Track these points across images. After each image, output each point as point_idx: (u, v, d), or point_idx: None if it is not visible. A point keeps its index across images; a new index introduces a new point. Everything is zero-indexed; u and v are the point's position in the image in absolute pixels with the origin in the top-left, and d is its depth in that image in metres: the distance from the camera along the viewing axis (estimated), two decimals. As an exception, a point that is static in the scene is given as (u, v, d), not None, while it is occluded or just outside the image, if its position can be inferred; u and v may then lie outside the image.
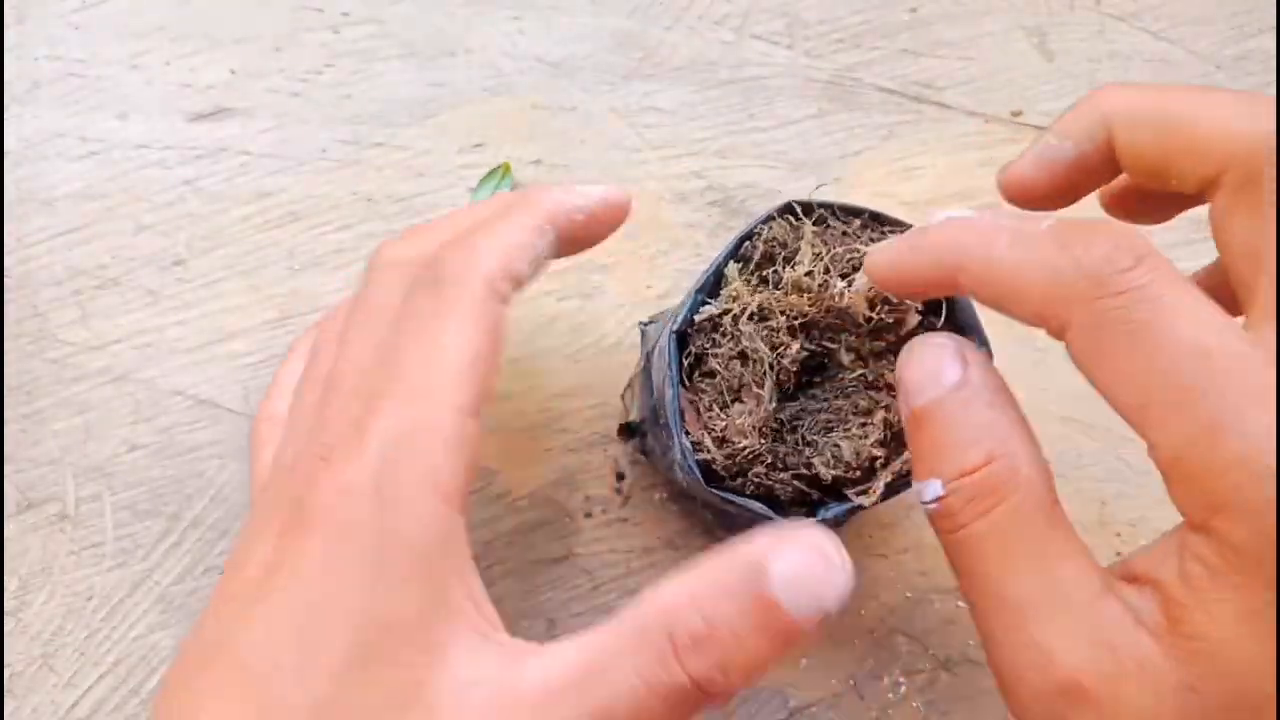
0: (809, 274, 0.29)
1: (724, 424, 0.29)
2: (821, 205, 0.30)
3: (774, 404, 0.29)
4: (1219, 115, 0.23)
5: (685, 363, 0.30)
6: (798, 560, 0.22)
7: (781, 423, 0.29)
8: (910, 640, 0.36)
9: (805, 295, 0.29)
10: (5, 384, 0.37)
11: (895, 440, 0.29)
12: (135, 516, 0.36)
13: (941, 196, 0.40)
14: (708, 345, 0.30)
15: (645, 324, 0.36)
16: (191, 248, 0.38)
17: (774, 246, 0.30)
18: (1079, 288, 0.22)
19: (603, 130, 0.40)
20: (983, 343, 0.29)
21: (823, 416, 0.29)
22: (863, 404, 0.29)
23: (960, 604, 0.36)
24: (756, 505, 0.28)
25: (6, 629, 0.35)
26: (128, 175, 0.39)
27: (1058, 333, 0.23)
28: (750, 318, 0.29)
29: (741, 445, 0.28)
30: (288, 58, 0.40)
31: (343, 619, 0.23)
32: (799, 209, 0.30)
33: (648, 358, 0.33)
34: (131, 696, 0.35)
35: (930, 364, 0.25)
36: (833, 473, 0.28)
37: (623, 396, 0.37)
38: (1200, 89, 0.24)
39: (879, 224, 0.30)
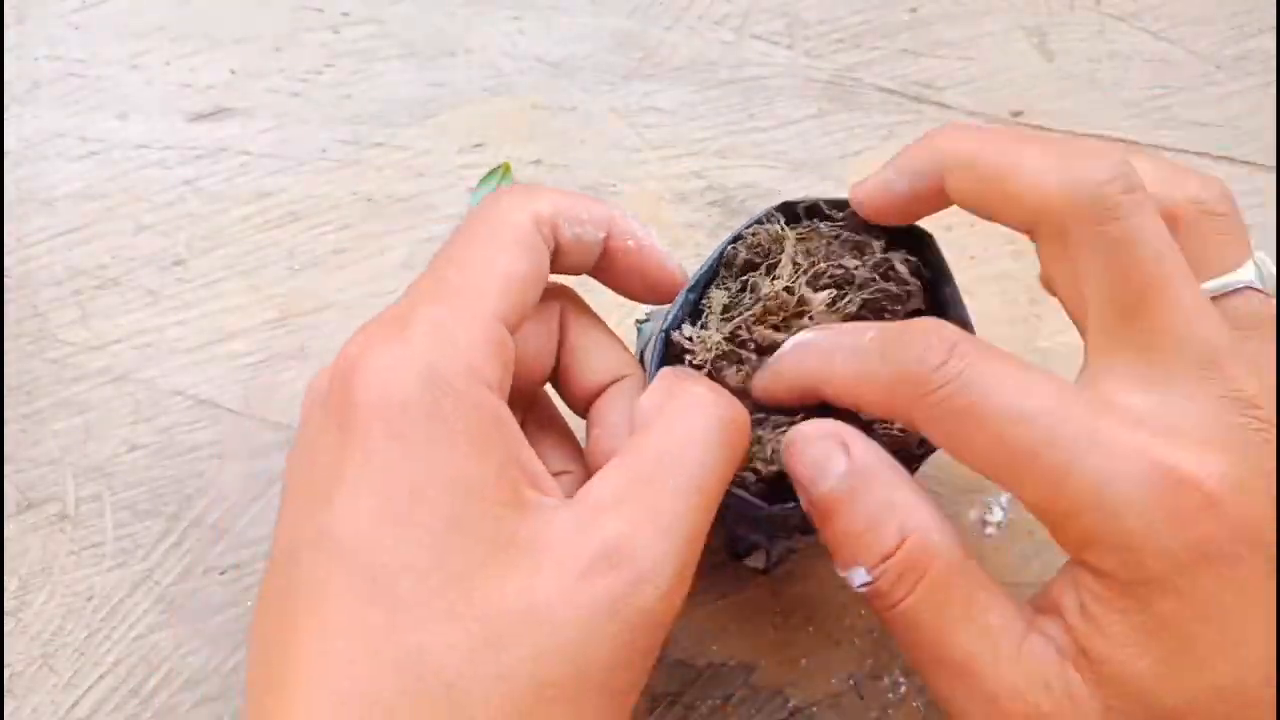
0: (788, 289, 0.29)
1: None
2: (815, 203, 0.30)
3: None
4: (1031, 169, 0.25)
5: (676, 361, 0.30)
6: None
7: (759, 420, 0.29)
8: (910, 640, 0.36)
9: (780, 314, 0.29)
10: (5, 384, 0.37)
11: None
12: (135, 516, 0.36)
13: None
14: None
15: (641, 321, 0.36)
16: (191, 248, 0.38)
17: (756, 254, 0.30)
18: (907, 392, 0.25)
19: (603, 130, 0.40)
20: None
21: (782, 415, 0.29)
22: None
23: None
24: (740, 492, 0.28)
25: (6, 629, 0.35)
26: (128, 175, 0.39)
27: (913, 429, 0.26)
28: (719, 358, 0.29)
29: None
30: (288, 58, 0.40)
31: (425, 487, 0.24)
32: (796, 209, 0.30)
33: (641, 354, 0.33)
34: (131, 697, 0.35)
35: (816, 456, 0.27)
36: (771, 469, 0.28)
37: None
38: (1022, 139, 0.26)
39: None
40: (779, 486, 0.29)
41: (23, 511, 0.36)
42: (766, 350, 0.29)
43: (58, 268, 0.38)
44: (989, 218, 0.27)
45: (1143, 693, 0.23)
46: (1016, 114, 0.41)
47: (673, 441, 0.26)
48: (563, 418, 0.32)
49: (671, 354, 0.30)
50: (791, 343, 0.28)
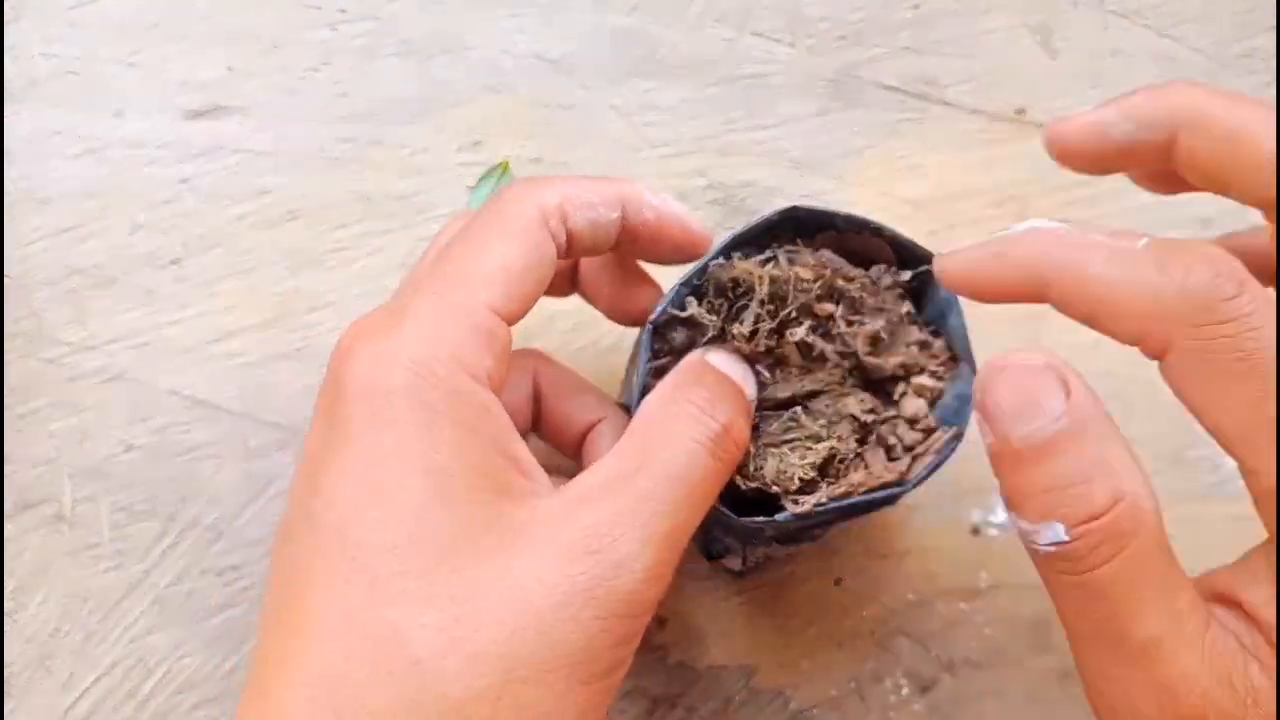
0: (753, 333, 0.29)
1: None
2: (826, 214, 0.30)
3: None
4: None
5: (667, 355, 0.30)
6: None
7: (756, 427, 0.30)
8: (912, 642, 0.36)
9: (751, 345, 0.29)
10: (1, 384, 0.37)
11: (837, 469, 0.29)
12: (132, 517, 0.36)
13: (944, 194, 0.40)
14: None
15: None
16: (188, 247, 0.38)
17: (728, 285, 0.30)
18: (1182, 312, 0.22)
19: (603, 128, 0.40)
20: (973, 372, 0.29)
21: (774, 427, 0.29)
22: (816, 429, 0.29)
23: (964, 605, 0.36)
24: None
25: (3, 630, 0.35)
26: (124, 173, 0.38)
27: (1156, 353, 0.23)
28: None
29: None
30: (285, 55, 0.40)
31: (407, 471, 0.25)
32: (801, 215, 0.30)
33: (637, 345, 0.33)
34: (129, 699, 0.34)
35: (1029, 390, 0.23)
36: (751, 485, 0.28)
37: (622, 382, 0.37)
38: (1265, 105, 0.24)
39: (880, 236, 0.30)
40: (756, 499, 0.29)
41: (19, 512, 0.36)
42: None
43: (54, 267, 0.38)
44: (1216, 186, 0.25)
45: None
46: (1020, 111, 0.41)
47: (664, 441, 0.26)
48: (576, 378, 0.34)
49: (657, 346, 0.30)
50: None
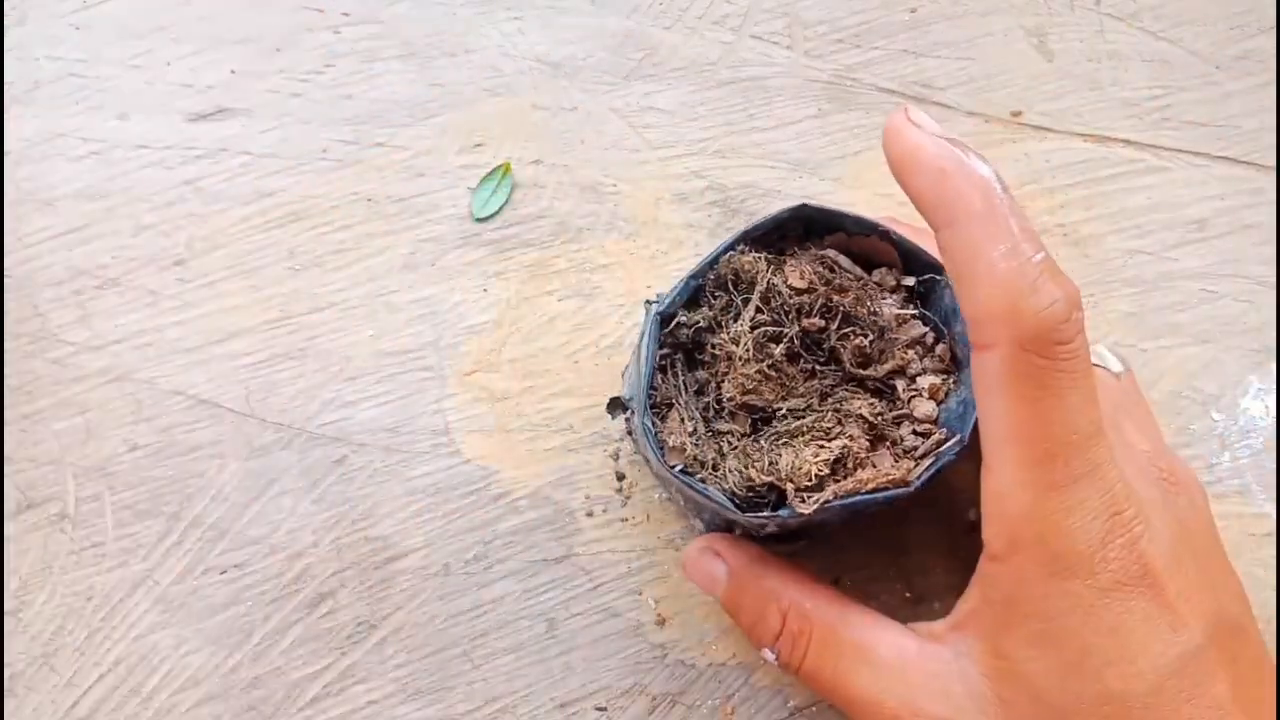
0: (736, 338, 0.29)
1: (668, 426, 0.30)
2: (835, 214, 0.30)
3: (698, 428, 0.29)
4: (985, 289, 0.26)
5: (668, 347, 0.30)
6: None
7: (757, 424, 0.30)
8: (910, 640, 0.36)
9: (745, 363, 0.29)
10: (6, 384, 0.37)
11: (848, 467, 0.29)
12: (135, 516, 0.36)
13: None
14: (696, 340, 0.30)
15: (650, 302, 0.36)
16: (192, 248, 0.38)
17: (728, 280, 0.30)
18: (1024, 330, 0.25)
19: (603, 130, 0.40)
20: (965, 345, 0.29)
21: (786, 425, 0.29)
22: (827, 425, 0.29)
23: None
24: (714, 493, 0.28)
25: (7, 629, 0.35)
26: (128, 175, 0.39)
27: (979, 340, 0.26)
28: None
29: (680, 447, 0.29)
30: (288, 58, 0.40)
31: None
32: (811, 214, 0.30)
33: (643, 336, 0.33)
34: (132, 696, 0.35)
35: (704, 570, 0.32)
36: (765, 479, 0.28)
37: (622, 374, 0.37)
38: (993, 235, 0.25)
39: (888, 240, 0.30)
40: (767, 497, 0.29)
41: (23, 511, 0.36)
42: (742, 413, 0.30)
43: (58, 268, 0.38)
44: None
45: (1036, 690, 0.27)
46: (1016, 114, 0.41)
47: None
48: None
49: (666, 331, 0.30)
50: (964, 158, 0.26)
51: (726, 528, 0.33)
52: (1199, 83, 0.41)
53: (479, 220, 0.39)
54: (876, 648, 0.30)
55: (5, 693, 0.35)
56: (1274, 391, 0.38)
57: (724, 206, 0.40)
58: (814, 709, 0.36)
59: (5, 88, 0.39)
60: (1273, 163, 0.40)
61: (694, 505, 0.33)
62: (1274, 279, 0.39)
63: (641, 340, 0.32)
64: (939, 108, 0.41)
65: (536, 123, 0.40)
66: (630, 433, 0.36)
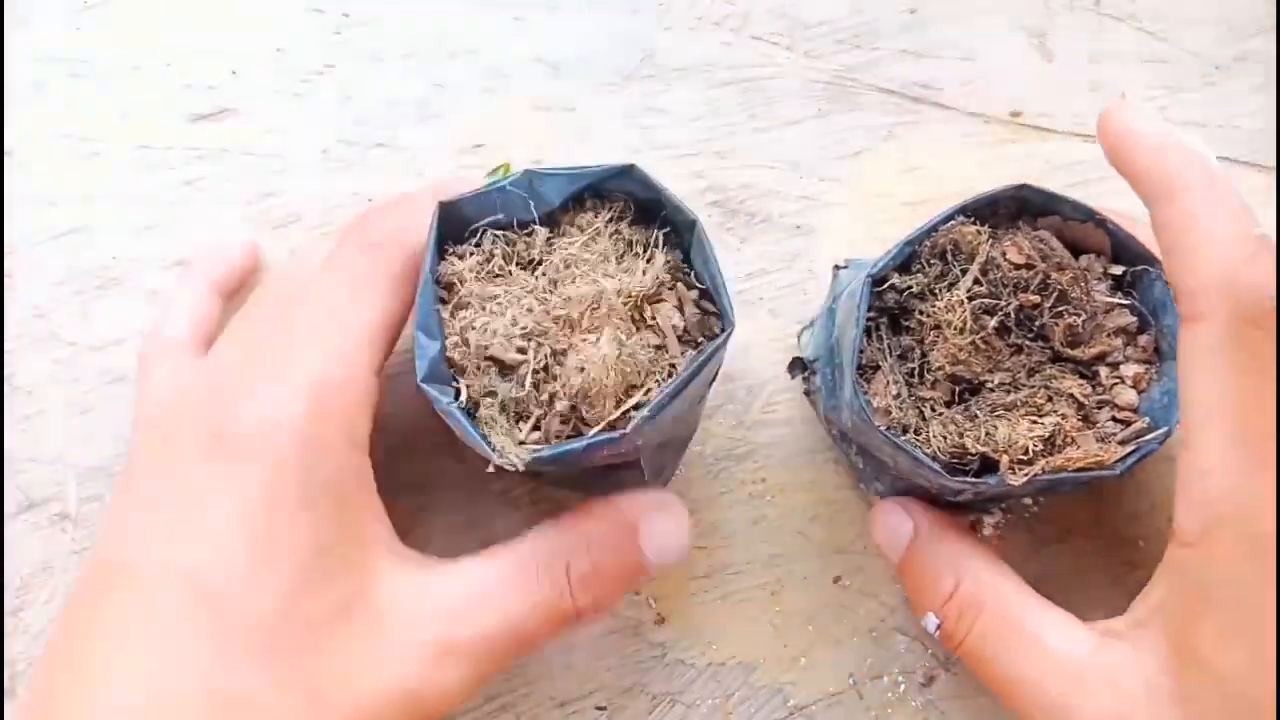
0: (951, 307, 0.29)
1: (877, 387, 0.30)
2: (1053, 197, 0.31)
3: (901, 391, 0.30)
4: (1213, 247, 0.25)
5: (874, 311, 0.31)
6: (663, 528, 0.30)
7: (960, 394, 0.30)
8: (910, 640, 0.36)
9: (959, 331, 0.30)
10: (6, 384, 0.37)
11: (1057, 444, 0.29)
12: (136, 516, 0.36)
13: (942, 196, 0.40)
14: (907, 305, 0.31)
15: (840, 266, 0.36)
16: (194, 249, 0.38)
17: (946, 249, 0.30)
18: (1242, 301, 0.24)
19: (603, 131, 0.40)
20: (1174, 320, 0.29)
21: (999, 397, 0.30)
22: (1039, 402, 0.29)
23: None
24: (921, 455, 0.28)
25: (7, 629, 0.35)
26: (129, 176, 0.39)
27: (1189, 312, 0.26)
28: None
29: (885, 409, 0.29)
30: (289, 58, 0.40)
31: (289, 542, 0.25)
32: (1031, 197, 0.31)
33: (835, 299, 0.34)
34: (133, 696, 0.35)
35: (891, 527, 0.32)
36: (981, 448, 0.29)
37: (799, 336, 0.37)
38: (1224, 199, 0.26)
39: (1103, 228, 0.31)
40: (969, 465, 0.29)
41: (24, 511, 0.36)
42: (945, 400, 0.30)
43: (59, 268, 0.38)
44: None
45: (1230, 686, 0.25)
46: (1016, 114, 0.41)
47: (529, 586, 0.29)
48: None
49: (876, 304, 0.30)
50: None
51: (905, 493, 0.33)
52: (1198, 83, 0.41)
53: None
54: (1048, 633, 0.28)
55: (5, 693, 0.35)
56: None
57: (724, 207, 0.40)
58: (814, 708, 0.36)
59: (5, 88, 0.39)
60: (1272, 163, 0.40)
61: (877, 468, 0.33)
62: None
63: (832, 304, 0.33)
64: (939, 108, 0.41)
65: (537, 123, 0.40)
66: (809, 392, 0.36)
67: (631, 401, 0.27)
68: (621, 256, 0.30)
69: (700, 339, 0.29)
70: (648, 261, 0.29)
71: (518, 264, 0.30)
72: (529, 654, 0.30)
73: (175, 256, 0.38)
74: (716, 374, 0.32)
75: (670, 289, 0.30)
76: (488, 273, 0.29)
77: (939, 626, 0.30)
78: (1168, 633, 0.26)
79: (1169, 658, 0.26)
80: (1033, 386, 0.30)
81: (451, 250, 0.30)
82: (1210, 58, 0.42)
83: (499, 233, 0.30)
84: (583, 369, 0.27)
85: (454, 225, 0.30)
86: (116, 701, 0.23)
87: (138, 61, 0.40)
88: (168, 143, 0.39)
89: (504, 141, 0.40)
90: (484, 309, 0.28)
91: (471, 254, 0.30)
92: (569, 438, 0.27)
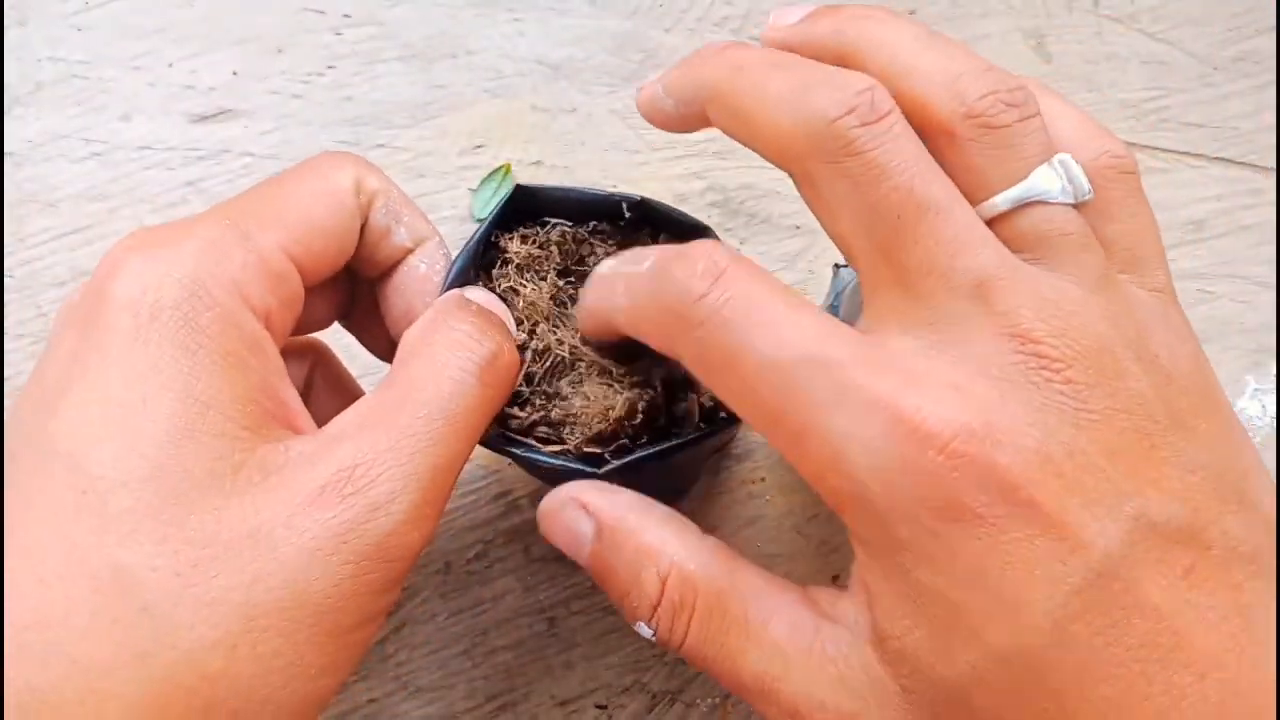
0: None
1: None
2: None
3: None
4: (773, 106, 0.23)
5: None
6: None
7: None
8: (909, 639, 0.36)
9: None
10: (7, 384, 0.37)
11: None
12: (138, 516, 0.36)
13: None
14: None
15: (841, 266, 0.35)
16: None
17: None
18: (671, 326, 0.23)
19: (603, 132, 0.40)
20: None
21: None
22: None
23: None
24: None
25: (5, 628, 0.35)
26: (130, 176, 0.39)
27: (791, 172, 0.24)
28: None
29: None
30: (290, 59, 0.40)
31: (160, 391, 0.23)
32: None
33: (835, 299, 0.34)
34: (134, 695, 0.35)
35: (567, 527, 0.26)
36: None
37: None
38: (774, 64, 0.24)
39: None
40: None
41: (26, 511, 0.36)
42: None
43: (60, 269, 0.38)
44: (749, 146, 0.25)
45: (925, 668, 0.21)
46: (1015, 115, 0.41)
47: (428, 373, 0.25)
48: (353, 381, 0.32)
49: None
50: (593, 274, 0.26)
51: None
52: (1197, 84, 0.41)
53: (479, 221, 0.39)
54: (769, 625, 0.24)
55: (4, 692, 0.35)
56: (1272, 392, 0.38)
57: (724, 207, 0.40)
58: (813, 708, 0.36)
59: (6, 89, 0.39)
60: (1271, 164, 0.40)
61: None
62: (1272, 280, 0.39)
63: (832, 303, 0.33)
64: (938, 109, 0.41)
65: (536, 124, 0.40)
66: None
67: (615, 444, 0.27)
68: None
69: None
70: None
71: (555, 269, 0.30)
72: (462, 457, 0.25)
73: (176, 257, 0.38)
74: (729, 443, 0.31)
75: None
76: (528, 258, 0.29)
77: (654, 634, 0.25)
78: (868, 612, 0.23)
79: (877, 646, 0.22)
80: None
81: (518, 230, 0.29)
82: (1208, 59, 0.42)
83: (569, 229, 0.30)
84: (587, 398, 0.27)
85: (529, 209, 0.29)
86: (15, 616, 0.22)
87: (138, 62, 0.40)
88: (169, 143, 0.39)
89: (504, 143, 0.40)
90: (513, 290, 0.29)
91: (532, 239, 0.29)
92: (547, 441, 0.27)
